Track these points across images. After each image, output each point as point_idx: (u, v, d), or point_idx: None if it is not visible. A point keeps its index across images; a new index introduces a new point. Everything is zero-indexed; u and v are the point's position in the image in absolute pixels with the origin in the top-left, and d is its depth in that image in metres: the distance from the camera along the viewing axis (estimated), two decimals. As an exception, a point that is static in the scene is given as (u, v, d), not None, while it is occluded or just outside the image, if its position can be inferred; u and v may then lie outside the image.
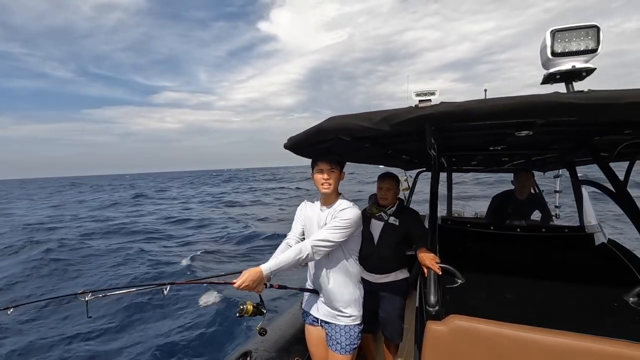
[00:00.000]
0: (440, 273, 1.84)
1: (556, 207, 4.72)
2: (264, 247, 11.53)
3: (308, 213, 2.05)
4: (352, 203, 1.92)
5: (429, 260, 1.92)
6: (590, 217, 2.39)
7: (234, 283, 1.62)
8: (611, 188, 1.98)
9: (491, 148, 2.97)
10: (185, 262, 9.90)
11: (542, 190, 5.05)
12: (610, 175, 1.97)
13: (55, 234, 15.57)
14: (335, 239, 1.78)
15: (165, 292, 1.71)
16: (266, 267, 1.67)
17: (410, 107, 1.43)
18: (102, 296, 1.75)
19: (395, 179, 2.51)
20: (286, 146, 1.94)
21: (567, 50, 1.26)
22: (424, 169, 5.46)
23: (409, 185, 5.96)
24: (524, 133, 1.95)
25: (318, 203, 2.02)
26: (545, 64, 1.35)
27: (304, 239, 2.05)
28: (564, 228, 2.28)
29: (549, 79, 1.36)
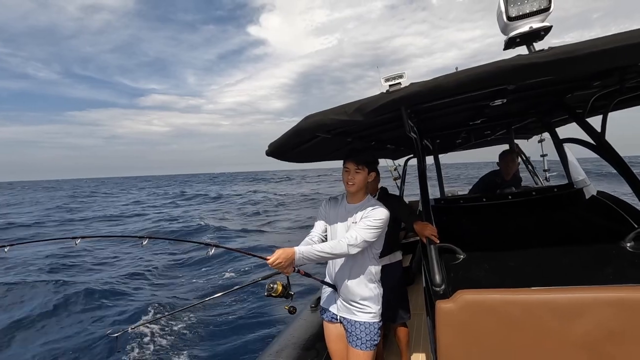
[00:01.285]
0: (438, 241, 1.87)
1: (544, 170, 4.77)
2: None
3: (331, 211, 2.04)
4: (379, 202, 1.93)
5: (428, 231, 1.93)
6: (577, 173, 2.43)
7: (268, 259, 1.63)
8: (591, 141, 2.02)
9: (471, 123, 3.01)
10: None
11: (529, 157, 5.12)
12: (588, 128, 2.01)
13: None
14: (369, 238, 1.80)
15: (210, 253, 1.79)
16: (299, 251, 1.68)
17: (382, 93, 1.44)
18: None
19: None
20: (268, 153, 1.92)
21: (521, 13, 1.29)
22: (412, 155, 5.49)
23: (399, 175, 5.98)
24: (498, 102, 1.97)
25: (344, 201, 2.02)
26: (504, 29, 1.37)
27: (325, 236, 2.05)
28: (553, 188, 2.31)
29: (509, 43, 1.38)
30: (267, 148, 1.89)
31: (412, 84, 1.40)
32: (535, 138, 4.87)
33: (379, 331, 1.98)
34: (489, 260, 1.84)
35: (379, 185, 2.61)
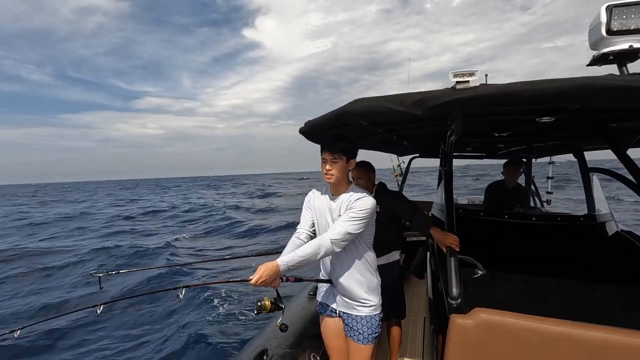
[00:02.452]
0: (458, 249, 1.78)
1: (547, 192, 4.79)
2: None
3: (317, 204, 1.94)
4: (365, 191, 1.82)
5: (449, 240, 1.85)
6: (601, 206, 2.38)
7: (250, 280, 1.55)
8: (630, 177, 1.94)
9: (496, 134, 2.90)
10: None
11: (533, 176, 5.12)
12: (629, 163, 1.93)
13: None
14: (354, 230, 1.71)
15: (181, 296, 1.60)
16: (282, 262, 1.60)
17: (447, 89, 1.31)
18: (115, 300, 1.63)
19: (366, 166, 2.43)
20: (302, 131, 1.78)
21: (624, 29, 1.15)
22: (418, 155, 5.41)
23: (401, 171, 5.91)
24: (545, 119, 1.86)
25: (328, 192, 1.92)
26: (597, 43, 1.24)
27: (314, 231, 1.96)
28: (579, 217, 2.25)
29: (599, 60, 1.26)
30: (302, 126, 1.74)
31: (482, 85, 1.27)
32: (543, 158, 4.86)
33: (380, 323, 1.93)
34: (508, 280, 1.77)
35: (376, 181, 2.50)
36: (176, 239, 13.65)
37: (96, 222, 20.01)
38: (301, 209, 2.03)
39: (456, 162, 5.46)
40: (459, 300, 1.60)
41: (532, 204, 4.76)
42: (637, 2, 1.13)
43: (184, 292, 1.65)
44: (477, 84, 1.28)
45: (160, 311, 6.16)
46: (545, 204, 4.77)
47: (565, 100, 1.16)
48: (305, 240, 1.90)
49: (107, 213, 24.84)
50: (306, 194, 2.05)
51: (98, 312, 1.68)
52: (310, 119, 1.70)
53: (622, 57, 1.21)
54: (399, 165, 5.75)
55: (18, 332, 1.74)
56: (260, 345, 2.12)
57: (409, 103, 1.32)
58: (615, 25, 1.16)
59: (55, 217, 23.08)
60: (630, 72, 1.20)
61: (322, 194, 1.95)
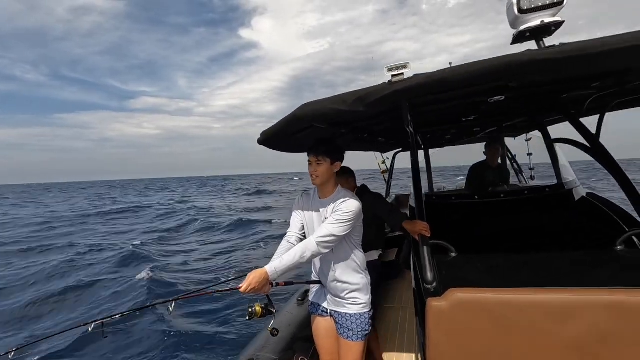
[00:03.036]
0: (429, 237, 1.83)
1: (530, 169, 4.86)
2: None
3: (306, 207, 1.99)
4: (351, 193, 1.87)
5: (419, 227, 1.90)
6: (567, 174, 2.44)
7: (240, 288, 1.58)
8: (585, 142, 2.01)
9: (463, 119, 2.98)
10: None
11: (515, 155, 5.20)
12: (582, 129, 2.00)
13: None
14: (339, 232, 1.75)
15: (171, 309, 1.66)
16: (271, 268, 1.63)
17: (384, 83, 1.37)
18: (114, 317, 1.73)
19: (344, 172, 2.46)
20: (260, 141, 1.83)
21: (533, 6, 1.23)
22: (400, 149, 5.48)
23: (387, 168, 5.98)
24: (496, 98, 1.93)
25: (315, 195, 1.96)
26: (513, 22, 1.32)
27: (304, 234, 2.00)
28: (544, 188, 2.31)
29: (518, 37, 1.33)
30: (259, 136, 1.80)
31: (415, 75, 1.33)
32: (522, 136, 4.94)
33: (370, 320, 1.97)
34: (481, 259, 1.82)
35: (358, 184, 2.55)
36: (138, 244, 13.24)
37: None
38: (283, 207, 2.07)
39: None
40: (434, 284, 1.65)
41: (517, 182, 4.84)
42: None
43: (174, 304, 1.66)
44: (411, 75, 1.34)
45: (148, 324, 6.10)
46: (530, 179, 4.84)
47: (492, 79, 1.24)
48: (295, 243, 1.94)
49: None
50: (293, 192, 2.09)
51: (89, 329, 1.71)
52: (266, 129, 1.75)
53: (538, 33, 1.28)
54: (383, 162, 5.83)
55: (12, 354, 1.73)
56: (251, 354, 2.15)
57: (350, 102, 1.38)
58: (525, 4, 1.24)
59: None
60: (547, 45, 1.27)
61: (310, 197, 2.00)
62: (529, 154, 4.80)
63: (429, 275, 1.67)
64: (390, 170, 5.84)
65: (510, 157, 4.88)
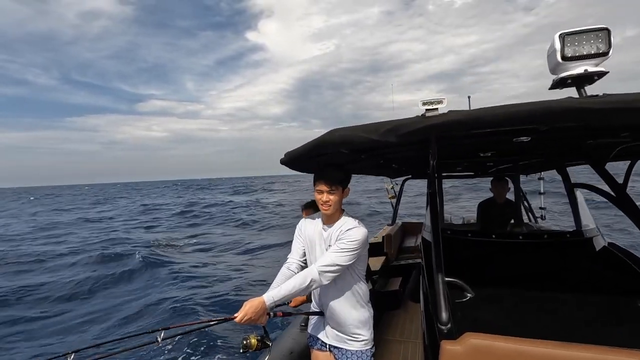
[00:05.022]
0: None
1: (541, 208, 4.81)
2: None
3: (309, 233, 1.91)
4: (357, 221, 1.80)
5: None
6: (588, 221, 2.39)
7: (235, 318, 1.50)
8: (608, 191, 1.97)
9: (481, 154, 2.96)
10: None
11: (525, 193, 5.15)
12: (607, 177, 1.97)
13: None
14: (343, 262, 1.66)
15: (159, 339, 1.53)
16: (269, 297, 1.55)
17: (418, 116, 1.36)
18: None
19: None
20: (283, 162, 1.81)
21: (577, 54, 1.22)
22: (410, 176, 5.45)
23: (395, 193, 5.95)
24: (522, 139, 1.91)
25: (319, 221, 1.89)
26: (555, 68, 1.31)
27: (305, 261, 1.92)
28: (565, 233, 2.26)
29: (559, 83, 1.32)
30: (282, 156, 1.78)
31: (450, 111, 1.32)
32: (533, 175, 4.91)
33: (372, 358, 1.88)
34: (498, 302, 1.76)
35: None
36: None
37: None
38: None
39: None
40: (449, 326, 1.58)
41: (526, 220, 4.77)
42: (585, 30, 1.21)
43: (162, 334, 1.53)
44: (446, 111, 1.33)
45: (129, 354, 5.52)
46: (539, 219, 4.77)
47: (529, 122, 1.22)
48: (296, 270, 1.86)
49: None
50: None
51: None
52: (290, 150, 1.74)
53: (579, 81, 1.27)
54: (392, 187, 5.80)
55: (72, 356, 1.57)
56: None
57: (382, 131, 1.36)
58: (569, 52, 1.23)
59: None
60: (588, 94, 1.26)
61: (313, 222, 1.92)
62: (541, 193, 4.77)
63: (444, 315, 1.61)
64: (399, 197, 5.80)
65: (521, 194, 4.84)
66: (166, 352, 5.81)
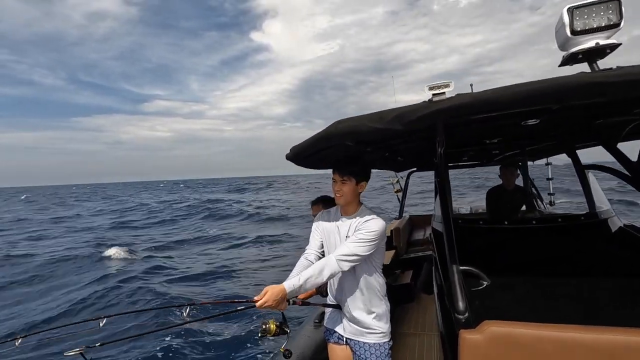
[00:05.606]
0: None
1: (549, 194, 4.74)
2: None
3: (326, 225, 1.93)
4: (374, 214, 1.81)
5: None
6: (602, 202, 2.33)
7: (256, 302, 1.52)
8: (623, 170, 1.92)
9: (487, 141, 2.91)
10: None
11: (533, 179, 5.09)
12: (620, 157, 1.92)
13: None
14: (361, 252, 1.69)
15: (185, 314, 1.61)
16: (289, 285, 1.57)
17: (424, 102, 1.33)
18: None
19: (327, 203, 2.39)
20: (288, 157, 1.79)
21: (588, 28, 1.18)
22: (415, 169, 5.41)
23: (401, 187, 5.90)
24: (531, 122, 1.87)
25: (337, 213, 1.91)
26: (564, 44, 1.26)
27: (322, 252, 1.94)
28: (579, 216, 2.21)
29: (569, 59, 1.28)
30: (287, 152, 1.75)
31: (458, 95, 1.28)
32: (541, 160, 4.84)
33: (389, 351, 1.87)
34: (515, 289, 1.72)
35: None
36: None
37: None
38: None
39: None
40: (466, 315, 1.55)
41: (535, 206, 4.71)
42: (594, 2, 1.16)
43: (188, 310, 1.61)
44: (453, 95, 1.30)
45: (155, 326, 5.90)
46: (548, 205, 4.71)
47: (541, 101, 1.18)
48: (314, 261, 1.89)
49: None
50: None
51: (101, 324, 1.65)
52: (296, 144, 1.71)
53: (591, 55, 1.23)
54: (397, 181, 5.76)
55: (19, 341, 1.69)
56: None
57: (388, 119, 1.33)
58: (579, 25, 1.19)
59: None
60: (601, 67, 1.21)
61: (331, 214, 1.95)
62: (549, 179, 4.70)
63: (461, 304, 1.58)
64: (405, 190, 5.76)
65: (530, 181, 4.78)
66: (189, 327, 5.99)
